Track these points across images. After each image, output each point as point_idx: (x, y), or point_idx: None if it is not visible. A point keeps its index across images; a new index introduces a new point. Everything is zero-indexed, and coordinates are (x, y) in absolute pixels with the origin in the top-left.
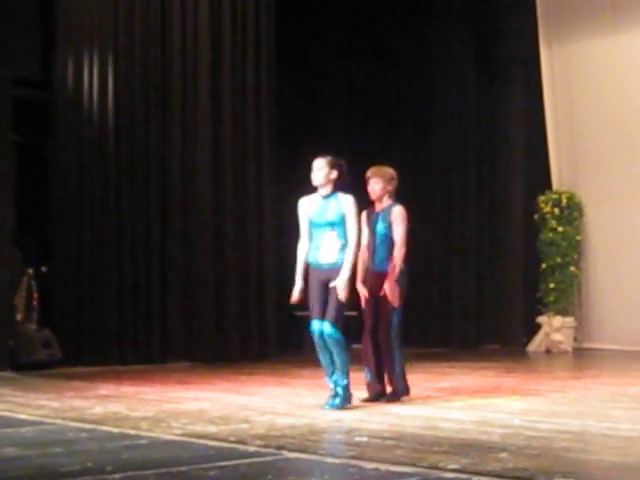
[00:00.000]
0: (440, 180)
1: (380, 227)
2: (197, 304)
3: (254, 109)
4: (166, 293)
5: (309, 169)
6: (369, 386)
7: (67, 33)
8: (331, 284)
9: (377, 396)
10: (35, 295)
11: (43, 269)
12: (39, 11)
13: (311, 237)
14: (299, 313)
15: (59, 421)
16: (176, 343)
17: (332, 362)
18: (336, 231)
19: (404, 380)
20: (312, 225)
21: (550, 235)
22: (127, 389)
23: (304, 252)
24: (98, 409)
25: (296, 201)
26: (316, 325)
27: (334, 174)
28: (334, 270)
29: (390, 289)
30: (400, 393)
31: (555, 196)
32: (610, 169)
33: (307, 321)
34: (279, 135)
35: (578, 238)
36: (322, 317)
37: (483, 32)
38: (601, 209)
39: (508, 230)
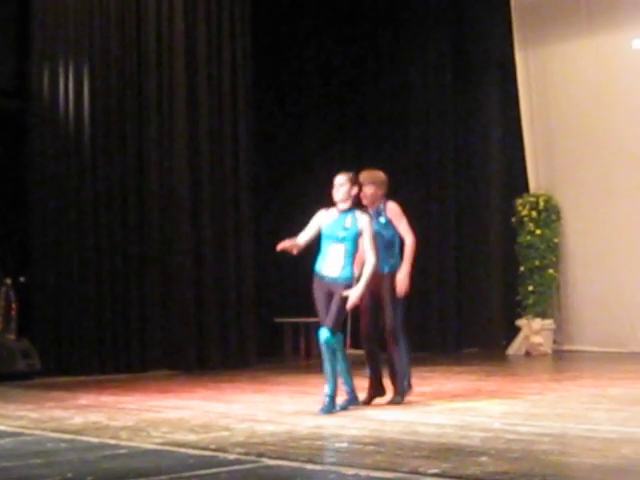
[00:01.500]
0: (417, 183)
1: (375, 227)
2: (176, 312)
3: (231, 118)
4: (145, 302)
5: (284, 172)
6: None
7: (42, 42)
8: (345, 293)
9: (373, 398)
10: (13, 305)
11: (21, 279)
12: (14, 20)
13: (321, 248)
14: (278, 320)
15: (38, 432)
16: (156, 352)
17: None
18: (344, 246)
19: (408, 379)
20: (323, 237)
21: (528, 238)
22: (107, 398)
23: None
24: (78, 419)
25: (274, 206)
26: (323, 333)
27: (355, 190)
28: (336, 284)
29: (402, 279)
30: (402, 392)
31: (532, 199)
32: (587, 171)
33: (286, 327)
34: (255, 135)
35: (556, 241)
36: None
37: (459, 36)
38: (578, 211)
39: (486, 233)
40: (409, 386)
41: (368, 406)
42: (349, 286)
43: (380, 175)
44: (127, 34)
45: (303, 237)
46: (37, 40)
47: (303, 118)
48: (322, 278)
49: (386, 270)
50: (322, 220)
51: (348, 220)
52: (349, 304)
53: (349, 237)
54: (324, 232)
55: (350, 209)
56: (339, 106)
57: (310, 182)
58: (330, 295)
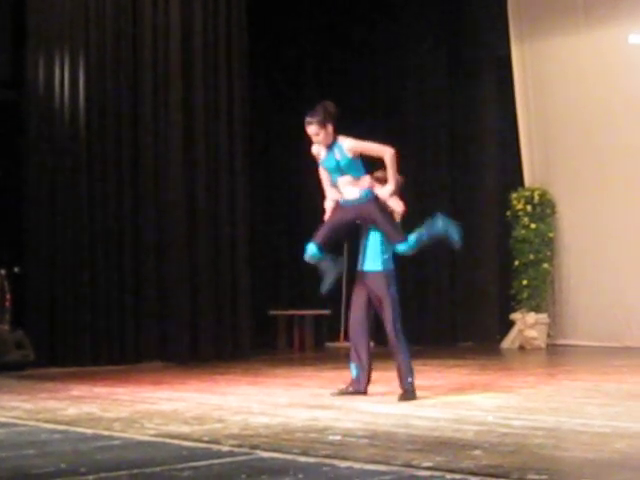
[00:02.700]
0: (412, 177)
1: (338, 165)
2: (170, 304)
3: (226, 108)
4: (139, 293)
5: (280, 163)
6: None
7: (38, 32)
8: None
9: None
10: (8, 296)
11: (16, 270)
12: (9, 10)
13: (334, 184)
14: (272, 312)
15: (32, 422)
16: (149, 343)
17: None
18: (349, 175)
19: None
20: (328, 172)
21: (523, 232)
22: (100, 390)
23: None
24: (71, 410)
25: (269, 195)
26: (310, 247)
27: (330, 128)
28: (361, 204)
29: (395, 199)
30: (408, 389)
31: (527, 193)
32: (582, 166)
33: (281, 320)
34: (250, 126)
35: (551, 235)
36: (318, 242)
37: (455, 30)
38: (573, 206)
39: (481, 227)
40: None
41: (360, 399)
42: (375, 199)
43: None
44: (123, 24)
45: (331, 193)
46: (32, 30)
47: (299, 111)
48: (347, 204)
49: (380, 268)
50: (321, 162)
51: (336, 153)
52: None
53: (346, 166)
54: (326, 168)
55: (332, 143)
56: (333, 100)
57: (306, 173)
58: (348, 223)
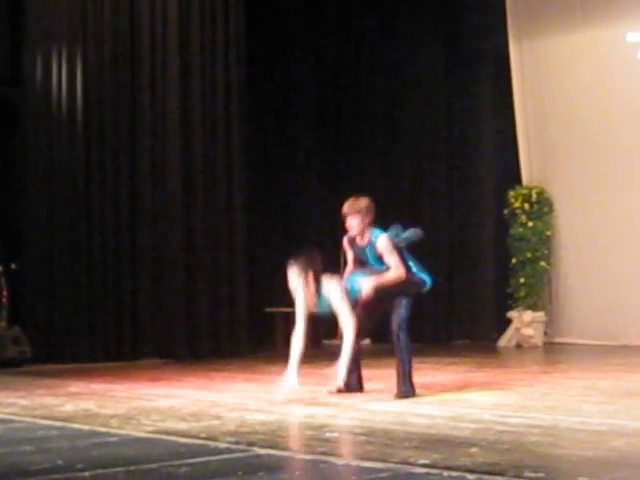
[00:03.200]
0: (410, 176)
1: (372, 259)
2: (168, 301)
3: (224, 106)
4: (136, 290)
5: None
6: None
7: (35, 29)
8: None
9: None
10: (5, 292)
11: (13, 266)
12: (7, 8)
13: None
14: (269, 309)
15: (29, 419)
16: (147, 340)
17: None
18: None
19: (410, 380)
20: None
21: (520, 230)
22: (97, 386)
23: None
24: (68, 407)
25: (266, 192)
26: None
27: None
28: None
29: (370, 283)
30: (405, 393)
31: (525, 191)
32: (580, 164)
33: (278, 317)
34: (248, 123)
35: (548, 233)
36: None
37: (453, 27)
38: (571, 204)
39: (478, 225)
40: (412, 387)
41: (356, 396)
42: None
43: (363, 203)
44: (120, 22)
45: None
46: (30, 27)
47: (295, 116)
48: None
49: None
50: (350, 247)
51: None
52: (363, 294)
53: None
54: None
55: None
56: (332, 102)
57: (303, 173)
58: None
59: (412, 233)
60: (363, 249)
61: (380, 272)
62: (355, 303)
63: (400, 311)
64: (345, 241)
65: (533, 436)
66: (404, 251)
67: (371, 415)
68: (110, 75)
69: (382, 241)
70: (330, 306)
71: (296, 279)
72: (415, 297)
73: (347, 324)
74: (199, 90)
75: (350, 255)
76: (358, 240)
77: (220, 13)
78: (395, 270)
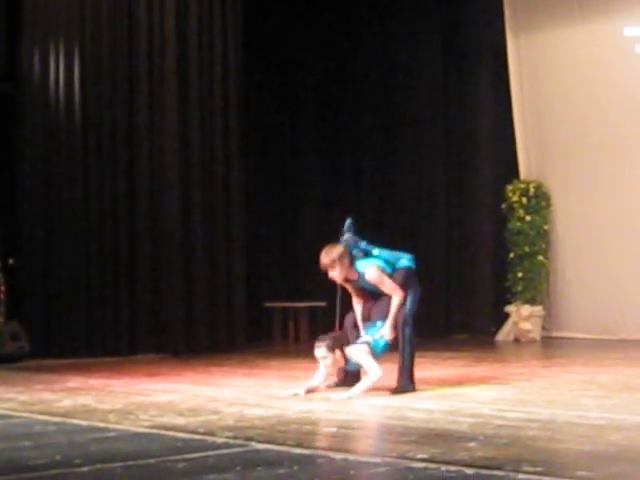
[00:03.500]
0: (408, 170)
1: (368, 286)
2: (165, 295)
3: (221, 100)
4: (134, 285)
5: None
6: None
7: (33, 24)
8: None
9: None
10: (2, 288)
11: (11, 261)
12: (5, 3)
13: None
14: (268, 304)
15: (27, 414)
16: (144, 335)
17: None
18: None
19: (411, 375)
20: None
21: (518, 224)
22: (95, 381)
23: None
24: (66, 402)
25: (265, 188)
26: None
27: (346, 262)
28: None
29: (389, 332)
30: (404, 387)
31: (523, 185)
32: (577, 158)
33: (276, 312)
34: (246, 119)
35: (546, 227)
36: None
37: (451, 21)
38: (568, 198)
39: (476, 219)
40: (412, 382)
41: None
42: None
43: (335, 252)
44: (118, 18)
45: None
46: (28, 23)
47: (295, 108)
48: None
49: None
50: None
51: (363, 281)
52: (387, 337)
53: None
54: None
55: (358, 276)
56: (330, 97)
57: (301, 168)
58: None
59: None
60: (356, 282)
61: (381, 305)
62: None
63: (406, 306)
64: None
65: (531, 430)
66: (368, 246)
67: (369, 410)
68: (107, 70)
69: (370, 274)
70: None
71: (323, 356)
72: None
73: (371, 375)
74: (197, 84)
75: (349, 288)
76: (351, 282)
77: (217, 4)
78: (396, 296)
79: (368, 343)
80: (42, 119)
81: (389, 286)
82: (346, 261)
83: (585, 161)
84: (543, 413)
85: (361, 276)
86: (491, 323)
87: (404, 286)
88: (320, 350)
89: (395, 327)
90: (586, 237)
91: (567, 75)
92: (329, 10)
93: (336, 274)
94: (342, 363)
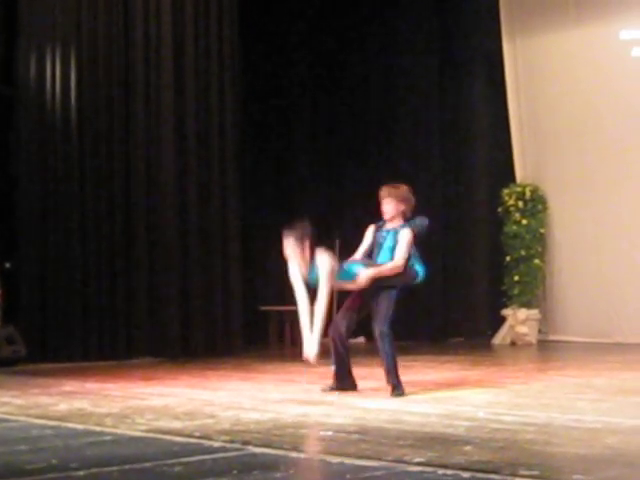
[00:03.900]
0: (404, 173)
1: (388, 244)
2: (162, 300)
3: (218, 108)
4: (131, 289)
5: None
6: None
7: (29, 28)
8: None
9: (339, 387)
10: None
11: (7, 265)
12: (0, 6)
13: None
14: (264, 308)
15: (23, 418)
16: (141, 339)
17: None
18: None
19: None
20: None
21: (514, 228)
22: (92, 385)
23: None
24: (63, 406)
25: (260, 190)
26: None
27: (402, 206)
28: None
29: (368, 272)
30: (399, 390)
31: (519, 189)
32: (573, 162)
33: (272, 316)
34: (243, 126)
35: (542, 231)
36: None
37: (446, 26)
38: (564, 202)
39: (472, 223)
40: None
41: (351, 394)
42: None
43: (401, 190)
44: (114, 22)
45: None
46: (24, 27)
47: (291, 110)
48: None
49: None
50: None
51: (390, 235)
52: (358, 282)
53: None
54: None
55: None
56: (327, 100)
57: (299, 172)
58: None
59: (420, 222)
60: (387, 234)
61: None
62: (348, 282)
63: (384, 306)
64: (371, 227)
65: (527, 434)
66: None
67: (365, 413)
68: (104, 73)
69: (406, 232)
70: (317, 278)
71: (291, 247)
72: (403, 291)
73: (321, 298)
74: (193, 89)
75: (365, 243)
76: (387, 225)
77: (214, 10)
78: (396, 261)
79: (340, 263)
80: (38, 123)
81: (403, 253)
82: (404, 204)
83: (581, 165)
84: (539, 416)
85: (396, 231)
86: (487, 326)
87: (404, 274)
88: (288, 238)
89: (372, 281)
90: (582, 240)
91: (563, 79)
92: (326, 17)
93: (389, 208)
94: (308, 259)
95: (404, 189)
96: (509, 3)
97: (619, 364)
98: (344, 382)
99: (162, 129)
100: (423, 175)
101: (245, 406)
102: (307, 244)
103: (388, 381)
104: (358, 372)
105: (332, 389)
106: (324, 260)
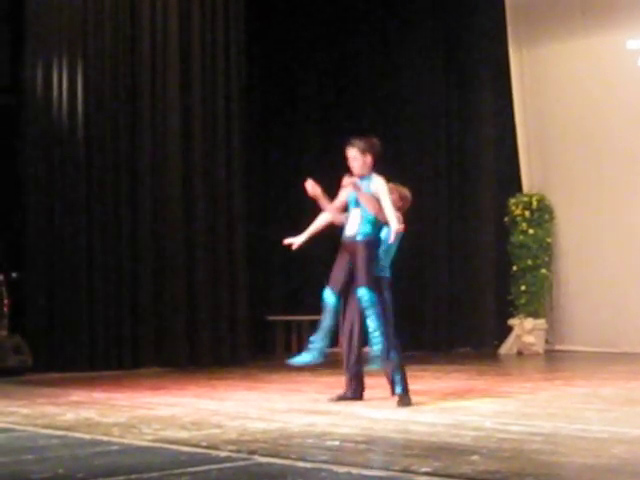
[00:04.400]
0: (410, 183)
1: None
2: (168, 309)
3: (224, 115)
4: (137, 298)
5: (279, 170)
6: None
7: (36, 37)
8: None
9: (349, 396)
10: (5, 301)
11: (14, 275)
12: (8, 15)
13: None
14: (270, 318)
15: (30, 428)
16: (147, 348)
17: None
18: (360, 209)
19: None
20: (349, 204)
21: (521, 238)
22: (98, 395)
23: (321, 218)
24: (69, 415)
25: (267, 201)
26: (328, 295)
27: (369, 159)
28: (354, 242)
29: (397, 227)
30: (407, 399)
31: (525, 199)
32: (580, 171)
33: (278, 325)
34: (249, 133)
35: (549, 240)
36: (336, 287)
37: (453, 35)
38: (571, 211)
39: (479, 233)
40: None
41: (357, 404)
42: (368, 242)
43: (404, 190)
44: (121, 30)
45: (330, 208)
46: (31, 35)
47: (296, 123)
48: (344, 239)
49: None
50: (346, 190)
51: (364, 185)
52: (395, 231)
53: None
54: (348, 200)
55: (367, 175)
56: (333, 109)
57: (302, 181)
58: (350, 255)
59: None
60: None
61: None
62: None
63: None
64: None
65: (534, 444)
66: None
67: (372, 423)
68: (110, 82)
69: (380, 179)
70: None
71: (356, 158)
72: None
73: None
74: (199, 96)
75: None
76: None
77: (220, 18)
78: (392, 220)
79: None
80: (45, 131)
81: (389, 211)
82: (370, 158)
83: (588, 174)
84: (546, 426)
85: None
86: (494, 336)
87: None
88: (352, 150)
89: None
90: (589, 250)
91: (570, 88)
92: (330, 23)
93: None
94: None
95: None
96: (516, 13)
97: (626, 374)
98: (349, 390)
99: (168, 136)
100: (429, 184)
101: (252, 416)
102: (368, 160)
103: (393, 392)
104: (366, 382)
105: (339, 398)
106: (380, 182)
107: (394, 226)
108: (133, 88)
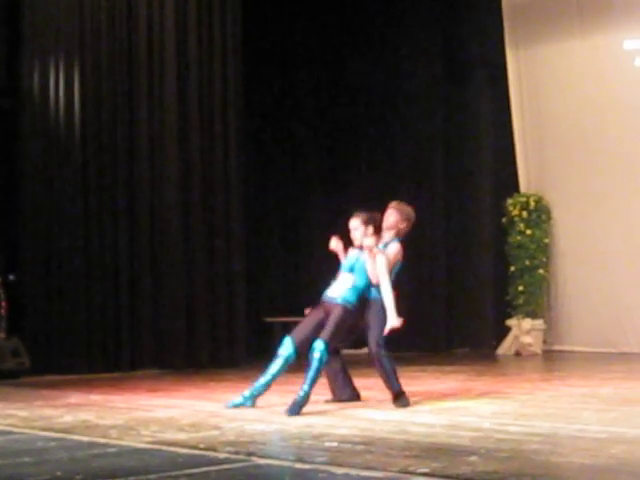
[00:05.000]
0: (408, 184)
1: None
2: (166, 311)
3: (221, 115)
4: (135, 300)
5: (276, 173)
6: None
7: (33, 40)
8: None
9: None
10: (3, 304)
11: (11, 277)
12: (4, 18)
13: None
14: (268, 319)
15: (28, 430)
16: (145, 351)
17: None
18: (352, 277)
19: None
20: (343, 266)
21: (518, 238)
22: (96, 397)
23: None
24: (67, 418)
25: (264, 203)
26: (287, 344)
27: (370, 230)
28: (334, 303)
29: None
30: (402, 398)
31: (523, 199)
32: (577, 172)
33: (276, 327)
34: (246, 138)
35: (546, 241)
36: (298, 340)
37: (450, 35)
38: (569, 211)
39: (477, 233)
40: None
41: (355, 405)
42: (347, 309)
43: (408, 209)
44: (118, 33)
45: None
46: (28, 39)
47: (294, 119)
48: (324, 297)
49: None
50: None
51: (363, 255)
52: (390, 326)
53: (359, 268)
54: (342, 265)
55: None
56: (330, 110)
57: (303, 183)
58: (325, 315)
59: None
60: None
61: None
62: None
63: (374, 328)
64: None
65: (532, 444)
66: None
67: (370, 424)
68: (107, 85)
69: (396, 245)
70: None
71: (357, 228)
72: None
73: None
74: (196, 98)
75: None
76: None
77: (217, 21)
78: (385, 283)
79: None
80: (42, 135)
81: (381, 270)
82: (371, 229)
83: (585, 174)
84: (544, 427)
85: (385, 244)
86: (492, 337)
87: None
88: (354, 221)
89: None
90: (587, 250)
91: (567, 88)
92: (329, 24)
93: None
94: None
95: (410, 210)
96: (513, 13)
97: (624, 374)
98: (342, 392)
99: (166, 139)
100: (427, 186)
101: (250, 417)
102: (369, 231)
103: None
104: (363, 383)
105: (333, 401)
106: (381, 259)
107: (391, 322)
108: (130, 88)
